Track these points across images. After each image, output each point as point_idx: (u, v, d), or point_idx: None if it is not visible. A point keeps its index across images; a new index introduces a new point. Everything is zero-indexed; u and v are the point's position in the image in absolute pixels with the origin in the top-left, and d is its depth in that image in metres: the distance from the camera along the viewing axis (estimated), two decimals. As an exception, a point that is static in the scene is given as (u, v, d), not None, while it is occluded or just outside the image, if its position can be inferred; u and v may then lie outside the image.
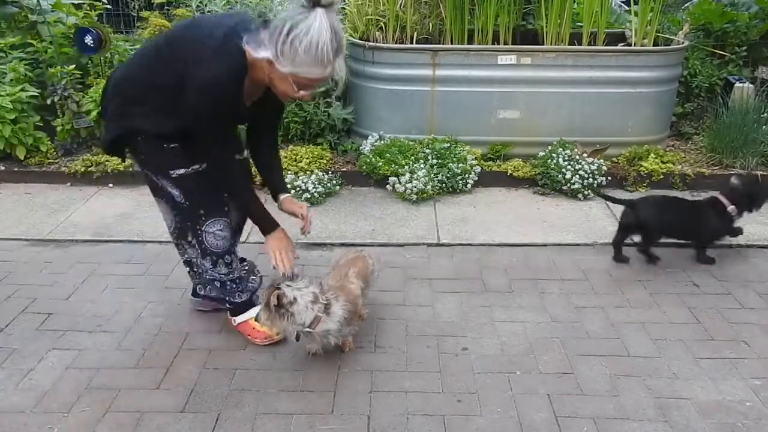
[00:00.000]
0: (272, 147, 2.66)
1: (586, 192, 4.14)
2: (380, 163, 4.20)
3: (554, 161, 4.22)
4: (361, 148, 4.49)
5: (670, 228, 3.29)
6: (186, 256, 2.76)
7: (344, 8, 4.84)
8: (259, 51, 2.08)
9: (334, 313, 2.40)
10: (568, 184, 4.14)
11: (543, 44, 4.61)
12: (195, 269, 2.77)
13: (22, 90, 4.45)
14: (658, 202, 3.36)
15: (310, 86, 2.17)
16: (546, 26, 4.58)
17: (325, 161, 4.34)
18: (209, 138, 2.28)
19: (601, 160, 4.27)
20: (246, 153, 2.67)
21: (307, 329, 2.37)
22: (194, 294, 2.84)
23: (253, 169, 2.75)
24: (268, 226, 2.50)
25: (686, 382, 2.44)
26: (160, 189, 2.58)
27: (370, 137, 4.51)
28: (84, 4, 5.16)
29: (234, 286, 2.67)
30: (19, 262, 3.35)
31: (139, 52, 2.47)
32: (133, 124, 2.36)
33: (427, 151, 4.26)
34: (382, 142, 4.44)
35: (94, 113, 4.45)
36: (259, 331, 2.65)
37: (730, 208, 3.29)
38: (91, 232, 3.70)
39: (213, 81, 2.12)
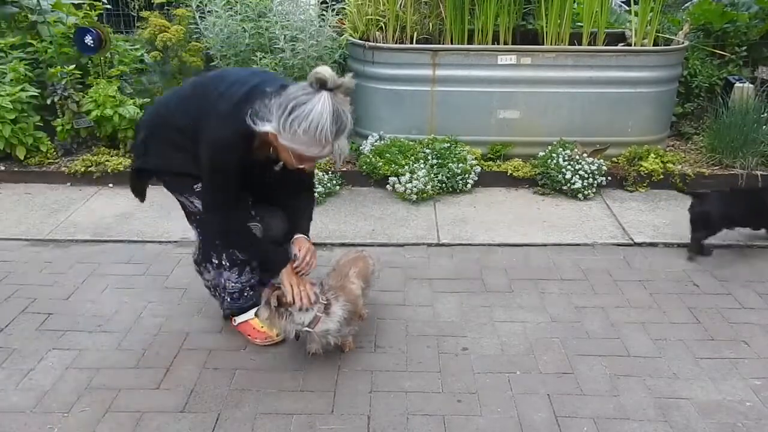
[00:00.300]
0: (299, 192, 2.61)
1: (586, 192, 4.14)
2: (380, 163, 4.20)
3: (554, 161, 4.22)
4: (361, 148, 4.49)
5: (737, 218, 3.37)
6: (206, 282, 2.74)
7: (344, 8, 4.84)
8: (264, 125, 2.12)
9: (333, 312, 2.41)
10: (568, 184, 4.14)
11: (543, 44, 4.61)
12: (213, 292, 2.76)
13: (22, 90, 4.45)
14: (722, 194, 3.46)
15: (310, 161, 2.24)
16: (546, 26, 4.58)
17: (325, 161, 4.34)
18: (211, 186, 2.34)
19: (601, 160, 4.27)
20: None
21: (306, 329, 2.38)
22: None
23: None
24: (277, 264, 2.47)
25: (686, 382, 2.44)
26: (192, 213, 2.57)
27: (370, 137, 4.51)
28: (84, 4, 5.15)
29: (251, 293, 2.67)
30: (19, 262, 3.35)
31: (173, 89, 2.58)
32: (153, 163, 2.48)
33: (427, 151, 4.26)
34: (382, 142, 4.44)
35: (93, 113, 4.44)
36: (259, 332, 2.65)
37: None
38: (91, 232, 3.70)
39: (218, 141, 2.22)
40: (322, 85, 2.08)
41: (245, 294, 2.66)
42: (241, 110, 2.16)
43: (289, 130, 2.08)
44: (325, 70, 2.08)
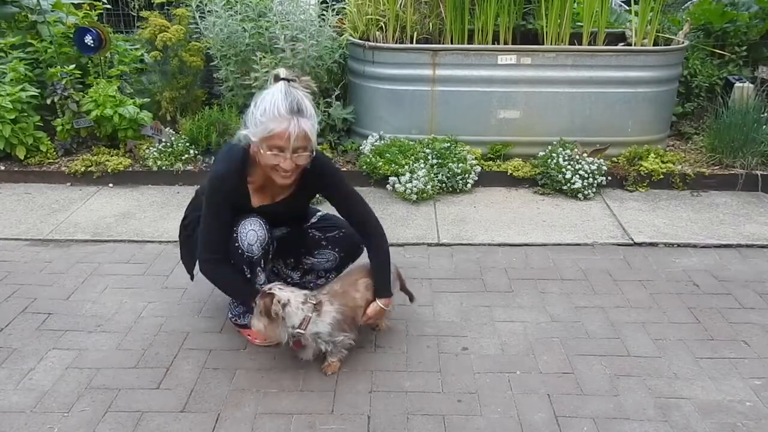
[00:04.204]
0: (368, 245, 2.63)
1: (586, 192, 4.14)
2: (380, 163, 4.20)
3: (554, 161, 4.22)
4: (361, 147, 4.49)
5: None
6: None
7: (344, 8, 4.85)
8: (241, 131, 2.36)
9: (325, 313, 2.37)
10: (568, 184, 4.14)
11: (543, 44, 4.61)
12: None
13: (22, 90, 4.45)
14: None
15: (280, 147, 2.29)
16: (546, 26, 4.58)
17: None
18: (205, 226, 2.46)
19: (601, 160, 4.27)
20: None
21: (298, 330, 2.34)
22: None
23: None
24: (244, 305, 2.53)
25: (686, 382, 2.44)
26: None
27: (370, 137, 4.51)
28: (84, 3, 5.15)
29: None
30: (19, 262, 3.35)
31: None
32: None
33: (427, 150, 4.26)
34: (382, 141, 4.44)
35: (93, 113, 4.44)
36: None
37: None
38: (91, 232, 3.70)
39: (214, 173, 2.45)
40: (276, 78, 2.31)
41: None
42: (231, 150, 2.44)
43: (253, 121, 2.29)
44: (279, 68, 2.36)
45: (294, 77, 2.32)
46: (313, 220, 2.80)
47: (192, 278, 2.78)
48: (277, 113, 2.24)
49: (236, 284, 2.52)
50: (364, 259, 2.70)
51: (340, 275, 2.64)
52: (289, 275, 2.86)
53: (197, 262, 2.54)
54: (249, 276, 2.51)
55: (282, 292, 2.35)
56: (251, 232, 2.45)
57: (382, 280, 2.58)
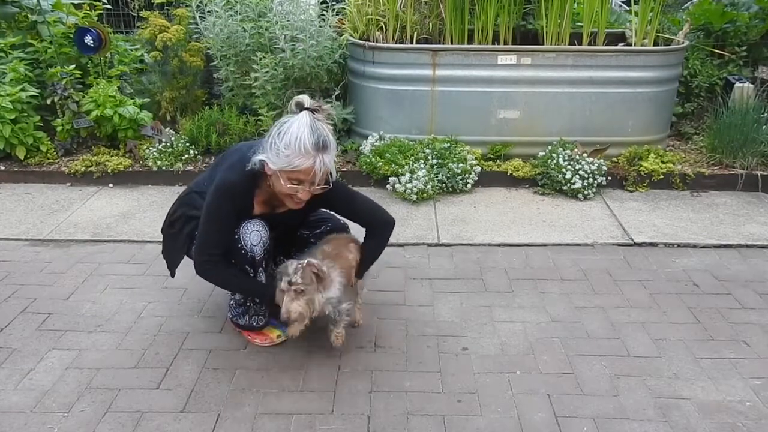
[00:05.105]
0: (370, 236, 2.67)
1: (586, 192, 4.14)
2: (380, 163, 4.20)
3: (554, 161, 4.22)
4: (361, 148, 4.49)
5: None
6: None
7: (344, 8, 4.85)
8: (258, 155, 2.32)
9: (333, 279, 2.43)
10: (568, 184, 4.14)
11: (543, 44, 4.61)
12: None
13: (22, 90, 4.45)
14: None
15: (301, 181, 2.31)
16: (546, 26, 4.58)
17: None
18: (204, 234, 2.44)
19: (601, 160, 4.27)
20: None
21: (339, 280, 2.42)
22: None
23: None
24: (264, 297, 2.54)
25: (686, 382, 2.44)
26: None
27: (370, 137, 4.51)
28: (84, 4, 5.15)
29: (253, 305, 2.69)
30: (19, 262, 3.35)
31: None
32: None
33: (427, 151, 4.26)
34: (382, 142, 4.44)
35: (93, 113, 4.44)
36: (259, 333, 2.66)
37: None
38: (91, 232, 3.70)
39: (221, 184, 2.40)
40: (300, 107, 2.30)
41: (248, 304, 2.67)
42: (247, 160, 2.35)
43: (275, 151, 2.26)
44: (302, 96, 2.33)
45: (317, 106, 2.31)
46: None
47: (173, 275, 2.77)
48: (303, 150, 2.23)
49: (238, 279, 2.51)
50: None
51: (328, 238, 2.65)
52: None
53: (194, 265, 2.51)
54: (252, 275, 2.52)
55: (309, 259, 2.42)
56: (254, 233, 2.46)
57: (365, 264, 2.66)
